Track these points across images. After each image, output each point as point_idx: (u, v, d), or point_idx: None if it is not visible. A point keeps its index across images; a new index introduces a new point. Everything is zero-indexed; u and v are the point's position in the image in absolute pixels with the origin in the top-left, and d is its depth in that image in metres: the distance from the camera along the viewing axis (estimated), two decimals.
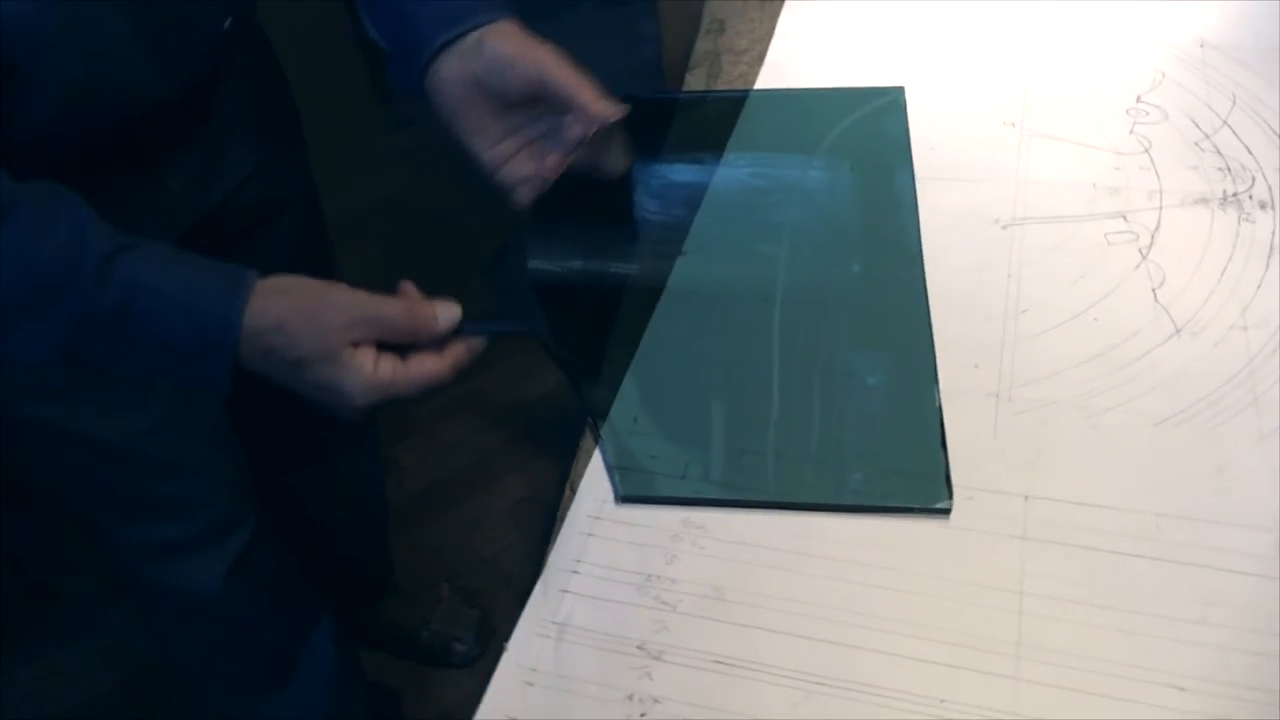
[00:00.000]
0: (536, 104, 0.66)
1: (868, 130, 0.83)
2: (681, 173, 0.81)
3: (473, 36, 0.66)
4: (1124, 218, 0.74)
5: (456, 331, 0.61)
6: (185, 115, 0.78)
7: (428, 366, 0.60)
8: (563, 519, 0.61)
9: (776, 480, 0.60)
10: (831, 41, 0.95)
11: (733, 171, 0.80)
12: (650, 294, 0.72)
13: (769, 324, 0.69)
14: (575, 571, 0.58)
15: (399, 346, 0.60)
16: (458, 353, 0.61)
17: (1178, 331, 0.66)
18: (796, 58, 0.94)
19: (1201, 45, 0.90)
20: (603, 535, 0.59)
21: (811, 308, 0.70)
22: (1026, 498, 0.58)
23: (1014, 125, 0.83)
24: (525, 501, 1.73)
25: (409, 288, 0.62)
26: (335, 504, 1.28)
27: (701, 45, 1.00)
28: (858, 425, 0.62)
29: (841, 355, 0.67)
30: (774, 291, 0.72)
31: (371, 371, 0.58)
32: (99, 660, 1.48)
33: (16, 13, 0.59)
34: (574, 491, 0.62)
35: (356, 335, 0.58)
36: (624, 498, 0.61)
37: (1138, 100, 0.85)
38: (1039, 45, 0.92)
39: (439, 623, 1.51)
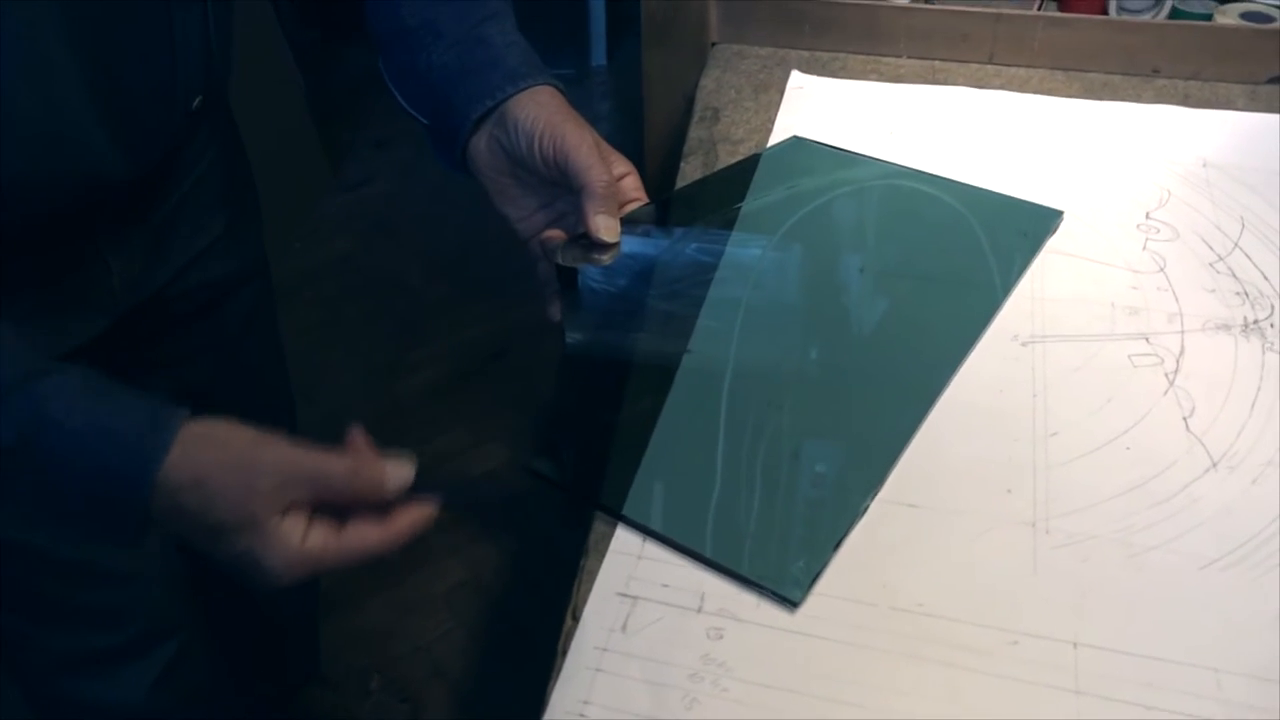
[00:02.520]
0: (565, 177, 0.63)
1: (1009, 241, 0.80)
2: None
3: (503, 107, 0.63)
4: (1146, 339, 0.71)
5: (410, 493, 0.55)
6: (139, 193, 0.72)
7: (367, 538, 0.53)
8: (565, 651, 0.54)
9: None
10: (830, 137, 0.93)
11: (679, 245, 0.76)
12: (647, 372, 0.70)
13: (716, 397, 0.66)
14: (583, 715, 0.51)
15: (340, 507, 0.53)
16: (403, 523, 0.54)
17: (1214, 465, 0.62)
18: None
19: (1204, 165, 0.89)
20: (612, 671, 0.53)
21: (762, 387, 0.67)
22: (1075, 645, 0.53)
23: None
24: (463, 587, 1.67)
25: (358, 439, 0.54)
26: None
27: (695, 133, 0.96)
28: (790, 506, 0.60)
29: (791, 439, 0.63)
30: (724, 367, 0.68)
31: (298, 544, 0.51)
32: None
33: None
34: (577, 619, 0.55)
35: (289, 498, 0.51)
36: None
37: (1147, 216, 0.83)
38: (1047, 156, 0.90)
39: (368, 718, 1.43)
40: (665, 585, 0.56)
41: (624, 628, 0.54)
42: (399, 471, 0.54)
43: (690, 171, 0.91)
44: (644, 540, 0.59)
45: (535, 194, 0.68)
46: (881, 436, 0.64)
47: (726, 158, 0.92)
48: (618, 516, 0.60)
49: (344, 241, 2.41)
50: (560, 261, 0.66)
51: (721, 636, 0.54)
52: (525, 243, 0.70)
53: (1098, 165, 0.89)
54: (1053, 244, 0.80)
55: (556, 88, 0.67)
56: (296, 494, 0.51)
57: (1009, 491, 0.61)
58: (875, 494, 0.61)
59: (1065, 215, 0.82)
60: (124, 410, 0.52)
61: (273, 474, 0.51)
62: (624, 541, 0.59)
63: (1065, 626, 0.54)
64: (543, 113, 0.64)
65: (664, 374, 0.68)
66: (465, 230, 2.32)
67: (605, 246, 0.64)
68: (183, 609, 0.90)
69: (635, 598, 0.56)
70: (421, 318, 2.18)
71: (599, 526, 0.60)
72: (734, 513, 0.59)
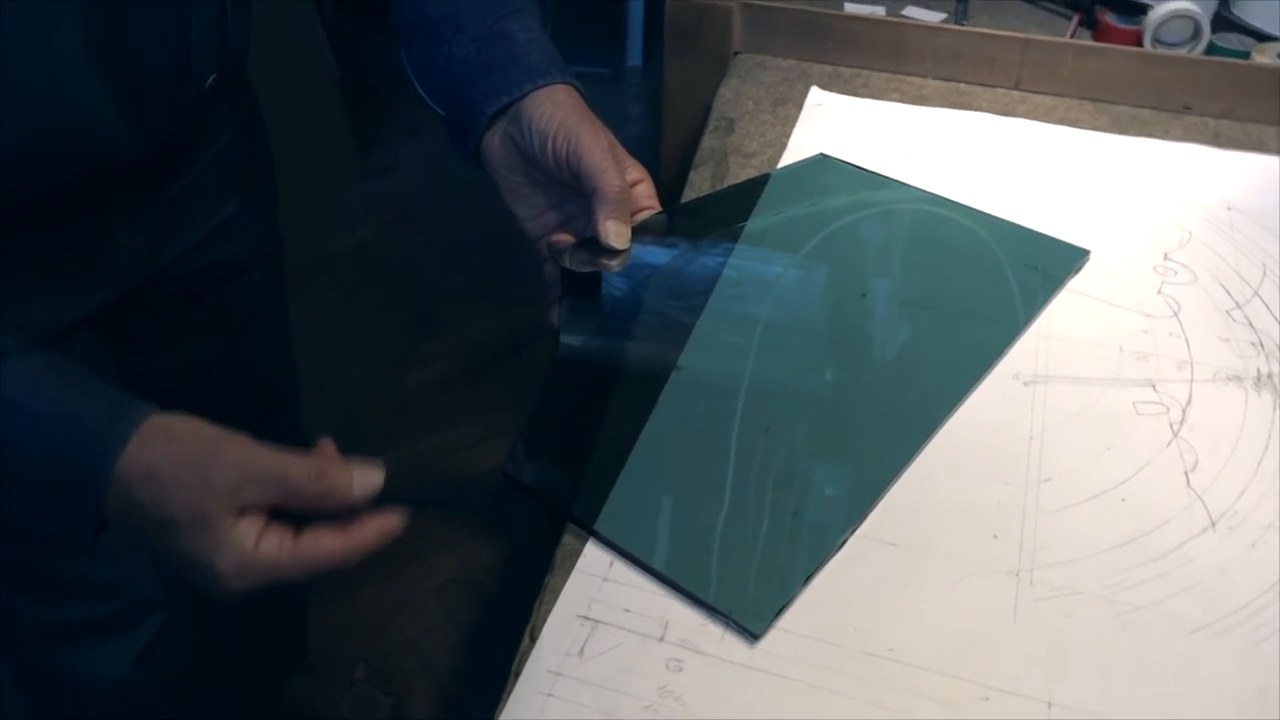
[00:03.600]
0: (577, 180, 0.62)
1: (1031, 277, 0.77)
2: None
3: (519, 104, 0.63)
4: (1153, 386, 0.68)
5: (376, 502, 0.53)
6: (151, 170, 0.71)
7: (325, 546, 0.51)
8: (518, 673, 0.52)
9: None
10: (846, 155, 0.90)
11: (687, 257, 0.74)
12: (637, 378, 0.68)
13: (703, 416, 0.64)
14: None
15: (299, 514, 0.51)
16: (366, 533, 0.52)
17: (1213, 525, 0.60)
18: None
19: (1229, 208, 0.86)
20: (564, 697, 0.51)
21: (752, 410, 0.65)
22: (1049, 704, 0.51)
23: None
24: (455, 583, 1.66)
25: (326, 446, 0.52)
26: None
27: (708, 142, 0.94)
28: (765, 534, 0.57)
29: (776, 465, 0.61)
30: (739, 385, 0.66)
31: (250, 548, 0.49)
32: None
33: None
34: (534, 640, 0.53)
35: (245, 499, 0.49)
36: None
37: (1165, 258, 0.80)
38: (1068, 189, 0.88)
39: (349, 709, 1.44)
40: (628, 610, 0.54)
41: (581, 652, 0.53)
42: (366, 479, 0.52)
43: (699, 182, 0.89)
44: (611, 562, 0.57)
45: (546, 194, 0.68)
46: (870, 469, 0.62)
47: (737, 170, 0.90)
48: (588, 530, 0.58)
49: (365, 229, 2.40)
50: (567, 265, 0.64)
51: (681, 669, 0.52)
52: (533, 243, 0.69)
53: (1119, 202, 0.86)
54: (1071, 283, 0.77)
55: (575, 88, 0.66)
56: (254, 495, 0.49)
57: (995, 537, 0.59)
58: (855, 529, 0.58)
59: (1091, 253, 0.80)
60: (88, 398, 0.50)
61: (230, 472, 0.49)
62: (591, 561, 0.57)
63: (1041, 684, 0.52)
64: (559, 112, 0.63)
65: (652, 387, 0.66)
66: (487, 224, 2.30)
67: (614, 252, 0.63)
68: (167, 586, 0.88)
69: (596, 621, 0.54)
70: (436, 310, 2.17)
71: (568, 541, 0.58)
72: (706, 536, 0.57)
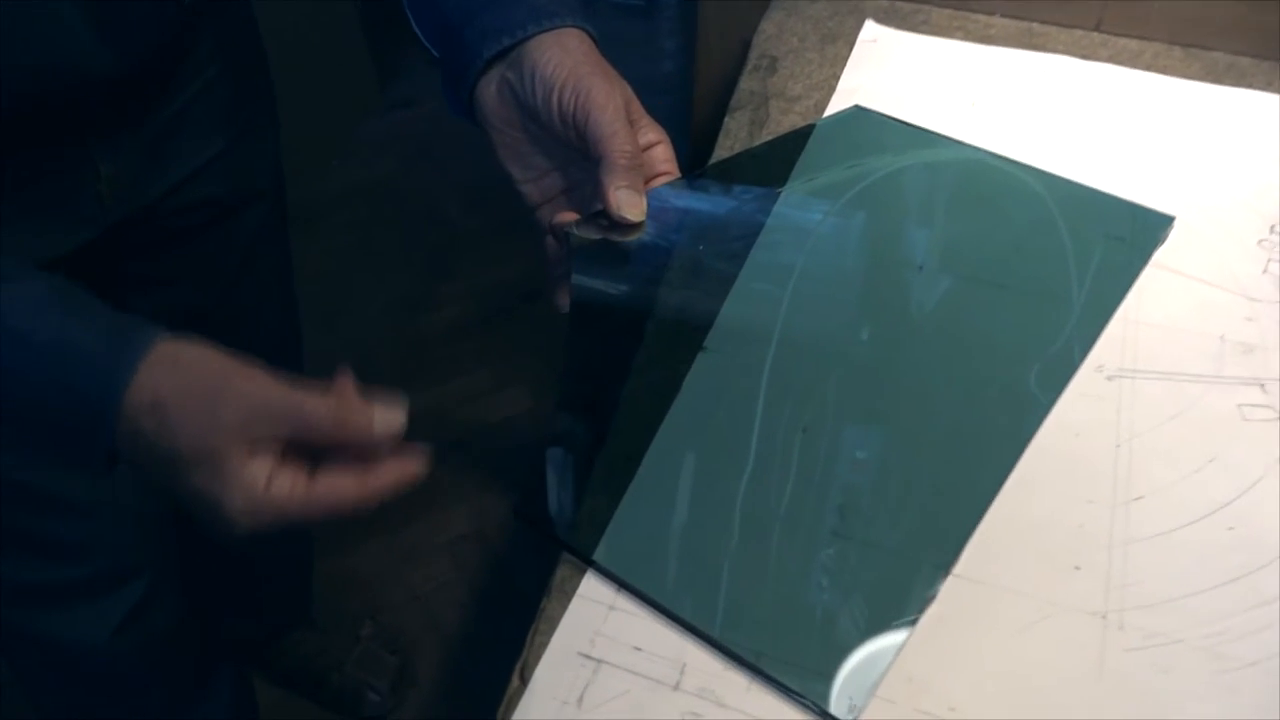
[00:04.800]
0: (584, 141, 0.54)
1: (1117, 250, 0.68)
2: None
3: (522, 48, 0.54)
4: (1262, 387, 0.59)
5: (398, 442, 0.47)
6: (131, 95, 0.67)
7: (340, 490, 0.46)
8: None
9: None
10: (902, 102, 0.80)
11: (735, 203, 0.66)
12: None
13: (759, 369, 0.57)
14: None
15: (316, 451, 0.47)
16: (386, 476, 0.47)
17: None
18: None
19: None
20: None
21: (810, 361, 0.58)
22: None
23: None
24: (466, 539, 1.61)
25: (345, 381, 0.47)
26: None
27: (746, 84, 0.84)
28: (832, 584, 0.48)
29: (838, 490, 0.52)
30: (770, 334, 0.59)
31: (261, 488, 0.45)
32: None
33: None
34: (525, 681, 0.45)
35: (256, 434, 0.45)
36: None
37: (1271, 231, 0.70)
38: (1153, 146, 0.77)
39: (354, 667, 1.39)
40: (638, 649, 0.46)
41: (580, 700, 0.44)
42: (388, 417, 0.47)
43: (735, 128, 0.79)
44: (617, 588, 0.48)
45: (548, 153, 0.59)
46: (957, 495, 0.52)
47: (778, 116, 0.79)
48: (616, 580, 0.49)
49: (384, 164, 2.31)
50: (574, 239, 0.56)
51: None
52: (532, 211, 0.61)
53: (1214, 163, 0.75)
54: (1156, 255, 0.67)
55: (588, 33, 0.57)
56: (266, 431, 0.45)
57: (1076, 569, 0.49)
58: (947, 573, 0.49)
59: (1176, 220, 0.69)
60: (92, 325, 0.47)
61: (240, 406, 0.45)
62: (594, 586, 0.48)
63: None
64: (567, 60, 0.54)
65: (674, 379, 0.57)
66: None
67: (627, 226, 0.55)
68: (152, 548, 0.87)
69: (599, 661, 0.45)
70: (454, 251, 2.09)
71: (568, 559, 0.50)
72: (756, 586, 0.48)
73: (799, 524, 0.50)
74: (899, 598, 0.47)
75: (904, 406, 0.57)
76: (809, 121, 0.78)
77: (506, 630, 1.48)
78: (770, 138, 0.77)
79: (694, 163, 0.73)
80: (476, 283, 2.02)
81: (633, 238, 0.56)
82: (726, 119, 0.80)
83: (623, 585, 0.48)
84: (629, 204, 0.54)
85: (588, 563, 0.49)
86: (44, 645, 0.86)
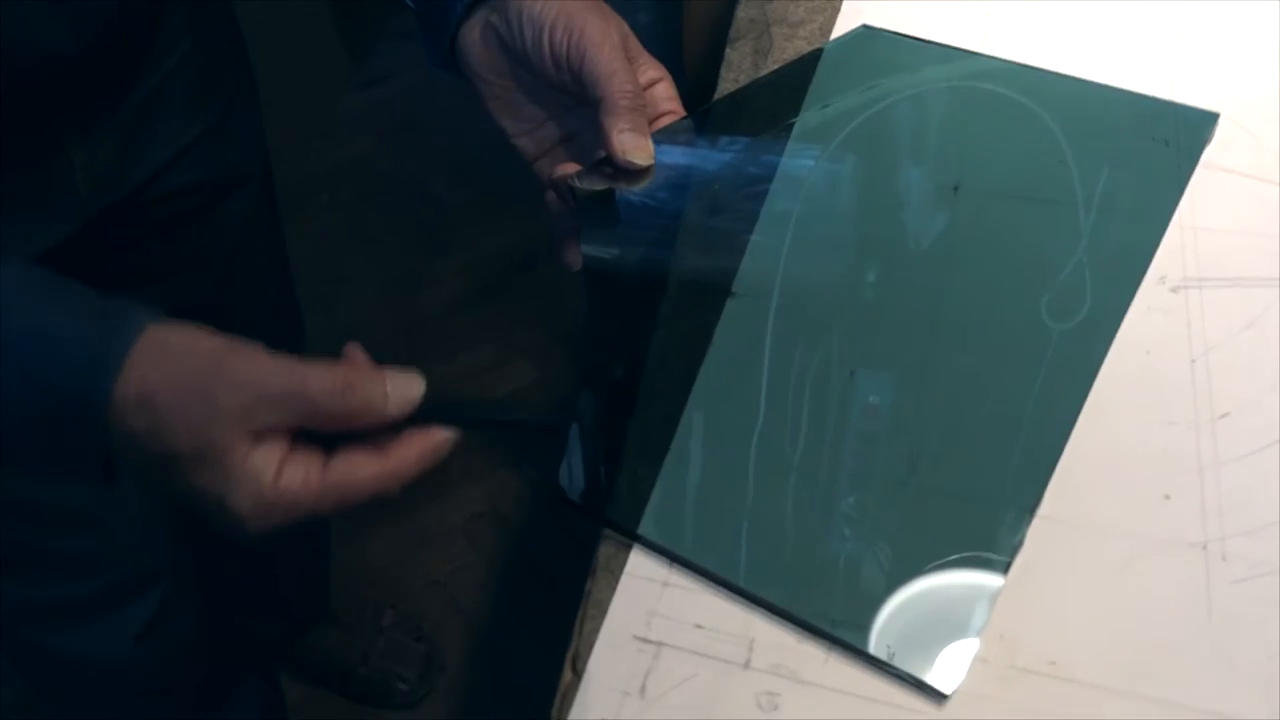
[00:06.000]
0: (580, 85, 0.50)
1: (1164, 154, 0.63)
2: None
3: None
4: None
5: (416, 418, 0.43)
6: (99, 76, 0.64)
7: (359, 475, 0.43)
8: (562, 717, 0.40)
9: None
10: (911, 14, 0.75)
11: (721, 155, 0.61)
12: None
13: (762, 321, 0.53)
14: None
15: (329, 435, 0.43)
16: (408, 454, 0.43)
17: None
18: None
19: None
20: None
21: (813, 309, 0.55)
22: None
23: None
24: (482, 518, 1.58)
25: (355, 354, 0.44)
26: None
27: (745, 11, 0.79)
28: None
29: (844, 367, 0.50)
30: (771, 286, 0.55)
31: (270, 481, 0.41)
32: None
33: None
34: (578, 673, 0.41)
35: (259, 422, 0.41)
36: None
37: None
38: (1188, 42, 0.72)
39: (379, 658, 1.37)
40: (700, 627, 0.42)
41: (643, 690, 0.40)
42: (403, 390, 0.43)
43: (737, 60, 0.74)
44: (670, 562, 0.44)
45: (542, 102, 0.56)
46: (1034, 431, 0.48)
47: (782, 43, 0.75)
48: (667, 554, 0.45)
49: (363, 142, 2.27)
50: (578, 189, 0.52)
51: (778, 706, 0.39)
52: (531, 164, 0.58)
53: (1253, 53, 0.70)
54: (1205, 154, 0.63)
55: None
56: (270, 417, 0.42)
57: (1167, 498, 0.45)
58: (1033, 515, 0.45)
59: (1221, 117, 0.65)
60: (70, 313, 0.43)
61: (238, 392, 0.41)
62: (643, 562, 0.44)
63: (1260, 702, 0.39)
64: None
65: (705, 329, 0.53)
66: (492, 131, 2.15)
67: (633, 171, 0.50)
68: (167, 555, 0.86)
69: (659, 644, 0.41)
70: (445, 225, 2.05)
71: (609, 534, 0.46)
72: (822, 551, 0.44)
73: (870, 481, 0.46)
74: (985, 547, 0.43)
75: (969, 342, 0.53)
76: (815, 46, 0.74)
77: (532, 605, 1.46)
78: (776, 66, 0.72)
79: (693, 101, 0.69)
80: (470, 256, 1.99)
81: (641, 184, 0.52)
82: (727, 50, 0.75)
83: (674, 559, 0.44)
84: (634, 147, 0.50)
85: (633, 538, 0.45)
86: (65, 662, 0.85)
